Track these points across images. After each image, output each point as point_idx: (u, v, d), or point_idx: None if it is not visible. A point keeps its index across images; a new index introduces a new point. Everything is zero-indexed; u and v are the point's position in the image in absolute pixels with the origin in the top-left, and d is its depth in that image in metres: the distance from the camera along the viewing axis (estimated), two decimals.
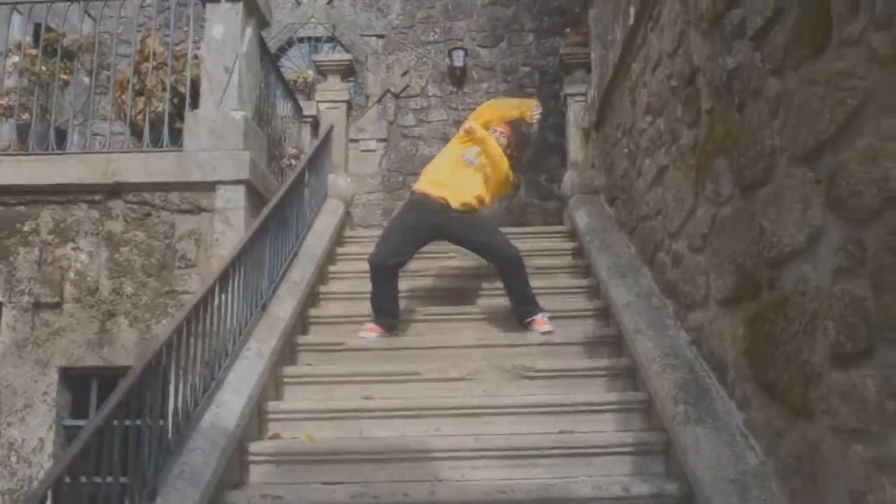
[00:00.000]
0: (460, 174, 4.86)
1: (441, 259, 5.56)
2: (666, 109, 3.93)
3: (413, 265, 5.03)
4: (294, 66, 10.74)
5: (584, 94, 6.92)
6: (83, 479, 2.57)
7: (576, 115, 6.99)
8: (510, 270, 4.69)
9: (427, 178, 4.94)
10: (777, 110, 2.43)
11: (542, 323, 4.57)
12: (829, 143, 2.06)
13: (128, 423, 2.90)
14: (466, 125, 5.06)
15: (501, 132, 5.16)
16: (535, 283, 5.16)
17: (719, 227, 3.06)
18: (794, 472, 2.38)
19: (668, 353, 3.51)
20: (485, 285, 5.19)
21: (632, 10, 4.60)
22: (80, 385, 4.97)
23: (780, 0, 2.37)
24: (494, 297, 4.99)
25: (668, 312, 3.94)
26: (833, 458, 2.09)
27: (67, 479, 2.47)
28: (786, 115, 2.36)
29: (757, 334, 2.66)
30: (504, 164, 5.08)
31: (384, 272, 4.66)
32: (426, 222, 4.77)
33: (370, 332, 4.63)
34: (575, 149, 6.94)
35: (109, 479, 2.76)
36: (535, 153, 10.44)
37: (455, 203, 4.75)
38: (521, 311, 4.65)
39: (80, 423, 4.84)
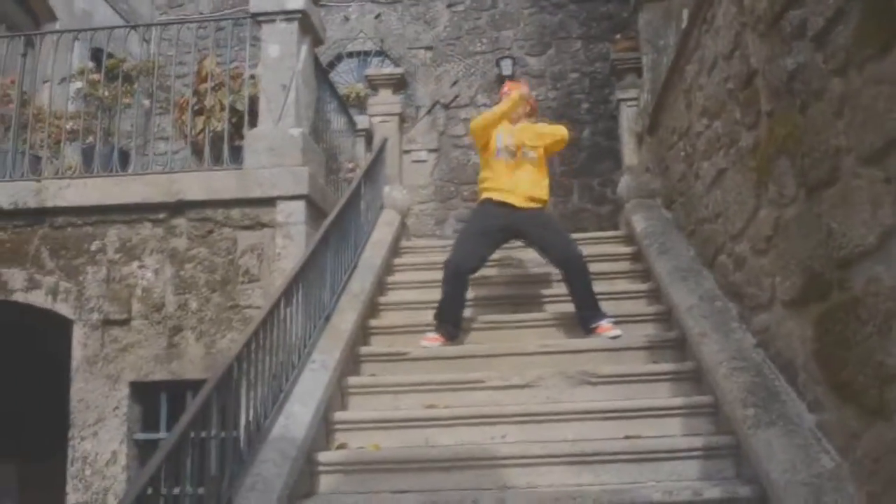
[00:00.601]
0: (518, 174, 4.89)
1: (502, 266, 5.58)
2: (723, 112, 3.91)
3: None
4: (343, 80, 10.87)
5: (635, 99, 6.91)
6: (164, 490, 2.65)
7: (629, 119, 6.98)
8: (574, 271, 4.69)
9: (489, 186, 4.96)
10: (841, 110, 2.41)
11: (607, 328, 4.55)
12: None
13: (203, 434, 2.98)
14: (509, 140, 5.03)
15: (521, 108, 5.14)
16: (594, 287, 5.16)
17: (784, 229, 3.04)
18: (872, 474, 2.35)
19: (734, 356, 3.48)
20: (545, 291, 5.21)
21: (685, 14, 4.59)
22: (149, 399, 5.10)
23: (842, 0, 2.35)
24: (555, 302, 5.01)
25: (732, 315, 3.90)
26: None
27: (150, 491, 2.54)
28: (851, 115, 2.34)
29: (827, 335, 2.63)
30: (551, 130, 5.17)
31: (458, 277, 4.71)
32: (496, 224, 4.83)
33: (432, 342, 4.65)
34: (629, 153, 6.93)
35: (189, 490, 2.84)
36: (587, 158, 10.42)
37: (520, 203, 4.82)
38: (584, 316, 4.64)
39: (151, 436, 4.97)
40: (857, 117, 2.30)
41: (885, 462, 2.24)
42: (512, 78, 10.60)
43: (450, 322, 4.71)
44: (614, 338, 4.47)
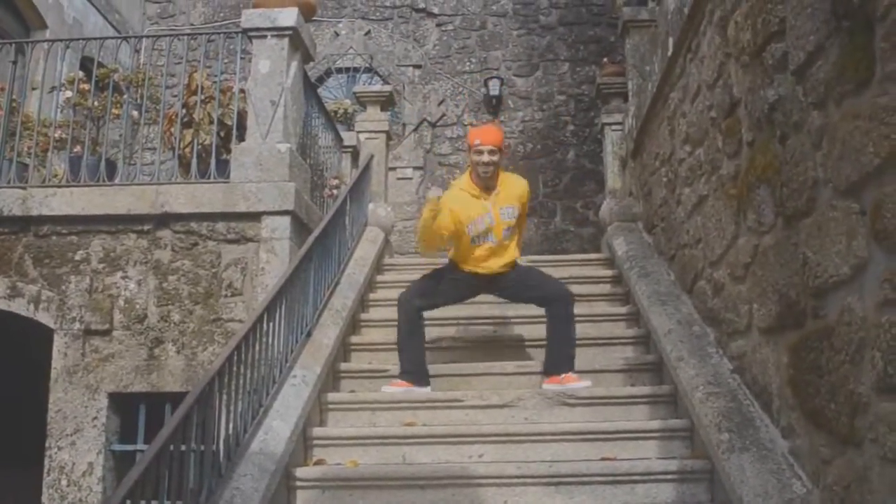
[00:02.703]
0: (494, 256, 4.54)
1: None
2: (706, 140, 3.97)
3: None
4: (332, 96, 10.93)
5: (620, 123, 6.99)
6: (142, 503, 2.65)
7: (613, 143, 7.05)
8: (561, 310, 4.42)
9: (458, 259, 4.62)
10: (820, 143, 2.47)
11: (573, 379, 4.27)
12: (874, 175, 2.09)
13: (182, 448, 2.98)
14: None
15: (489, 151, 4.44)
16: (574, 309, 5.19)
17: (762, 257, 3.09)
18: (842, 501, 2.38)
19: (710, 381, 3.52)
20: (524, 312, 5.24)
21: (670, 42, 4.66)
22: (128, 410, 5.08)
23: (823, 35, 2.41)
24: (535, 323, 5.02)
25: (709, 340, 3.95)
26: (881, 487, 2.10)
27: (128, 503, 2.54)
28: (829, 148, 2.40)
29: (801, 363, 2.68)
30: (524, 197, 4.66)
31: (412, 314, 4.49)
32: (471, 283, 4.61)
33: (393, 386, 4.40)
34: (612, 177, 7.00)
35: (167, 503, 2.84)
36: (570, 180, 10.52)
37: (496, 268, 4.56)
38: (555, 363, 4.35)
39: (129, 447, 4.95)
40: (834, 150, 2.36)
41: (854, 489, 2.28)
42: (499, 103, 10.66)
43: (416, 369, 4.44)
44: (584, 388, 4.22)
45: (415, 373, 4.43)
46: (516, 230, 4.61)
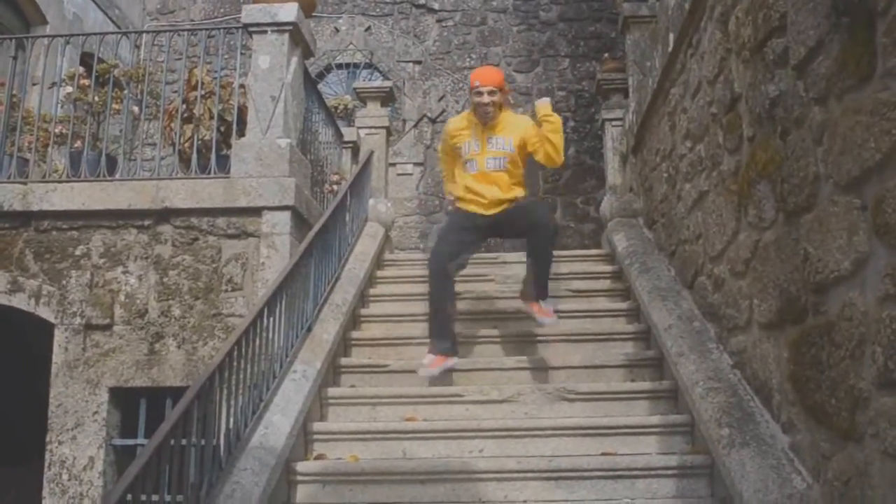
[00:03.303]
0: (487, 187, 4.61)
1: (480, 282, 5.62)
2: (706, 135, 3.97)
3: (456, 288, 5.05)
4: (332, 91, 10.92)
5: (621, 119, 6.98)
6: (143, 497, 2.65)
7: (614, 139, 7.04)
8: (542, 243, 4.51)
9: (459, 195, 4.75)
10: (821, 138, 2.47)
11: (543, 311, 4.52)
12: (875, 170, 2.10)
13: (182, 442, 2.99)
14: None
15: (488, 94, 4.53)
16: (574, 305, 5.24)
17: (762, 252, 3.09)
18: (842, 496, 2.39)
19: (711, 377, 3.53)
20: (523, 307, 5.23)
21: (671, 37, 4.66)
22: (128, 404, 5.09)
23: (824, 31, 2.41)
24: (534, 319, 5.02)
25: (710, 336, 3.96)
26: (882, 482, 2.11)
27: (129, 498, 2.54)
28: (830, 143, 2.40)
29: (802, 358, 2.68)
30: (529, 131, 4.62)
31: (441, 270, 4.50)
32: (472, 225, 4.64)
33: (431, 367, 4.37)
34: (613, 172, 6.99)
35: (167, 498, 2.84)
36: (571, 176, 10.52)
37: (492, 210, 4.61)
38: (529, 292, 4.60)
39: (129, 442, 4.96)
40: (835, 145, 2.36)
41: (855, 484, 2.29)
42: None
43: (445, 336, 4.47)
44: (546, 323, 4.52)
45: (448, 345, 4.46)
46: (511, 165, 4.61)
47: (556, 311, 5.05)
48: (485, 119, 4.57)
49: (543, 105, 4.62)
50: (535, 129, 4.61)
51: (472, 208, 4.65)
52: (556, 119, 4.55)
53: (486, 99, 4.50)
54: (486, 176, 4.60)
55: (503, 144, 4.59)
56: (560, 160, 4.64)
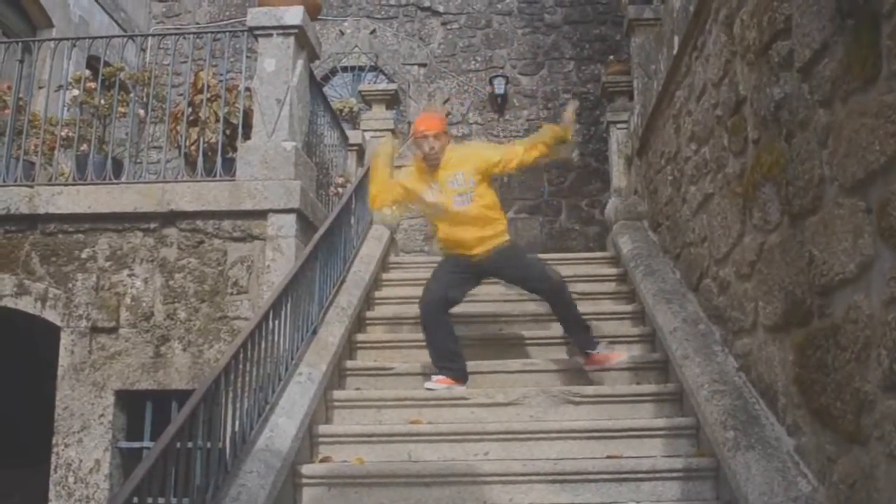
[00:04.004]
0: (461, 228, 4.47)
1: (486, 285, 5.60)
2: (711, 138, 3.97)
3: None
4: (337, 94, 10.94)
5: (626, 122, 6.99)
6: (149, 500, 2.66)
7: (618, 141, 7.05)
8: (556, 296, 4.52)
9: (440, 239, 4.65)
10: (826, 141, 2.47)
11: (605, 357, 4.41)
12: (880, 173, 2.10)
13: (189, 444, 2.99)
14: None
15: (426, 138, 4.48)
16: (579, 308, 5.19)
17: (767, 255, 3.09)
18: (847, 499, 2.39)
19: (716, 380, 3.52)
20: (529, 310, 5.24)
21: (676, 40, 4.66)
22: (134, 407, 5.10)
23: (829, 33, 2.41)
24: (539, 321, 5.04)
25: (715, 338, 3.95)
26: (888, 485, 2.10)
27: (135, 500, 2.55)
28: (835, 146, 2.40)
29: (807, 361, 2.68)
30: (481, 155, 4.55)
31: (436, 312, 4.46)
32: (462, 268, 4.53)
33: (437, 384, 4.36)
34: (618, 175, 7.00)
35: (173, 500, 2.85)
36: (576, 178, 10.52)
37: (475, 251, 4.48)
38: (578, 342, 4.50)
39: (135, 445, 4.97)
40: (840, 148, 2.36)
41: (860, 487, 2.28)
42: (504, 102, 10.66)
43: (448, 360, 4.42)
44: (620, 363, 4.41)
45: (453, 368, 4.41)
46: (479, 198, 4.45)
47: None
48: (434, 163, 4.47)
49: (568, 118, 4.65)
50: (487, 149, 4.66)
51: (458, 252, 4.54)
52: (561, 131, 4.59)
53: (431, 143, 4.43)
54: (458, 216, 4.44)
55: (462, 180, 4.44)
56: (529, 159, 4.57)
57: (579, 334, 4.50)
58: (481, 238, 4.46)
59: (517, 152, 4.52)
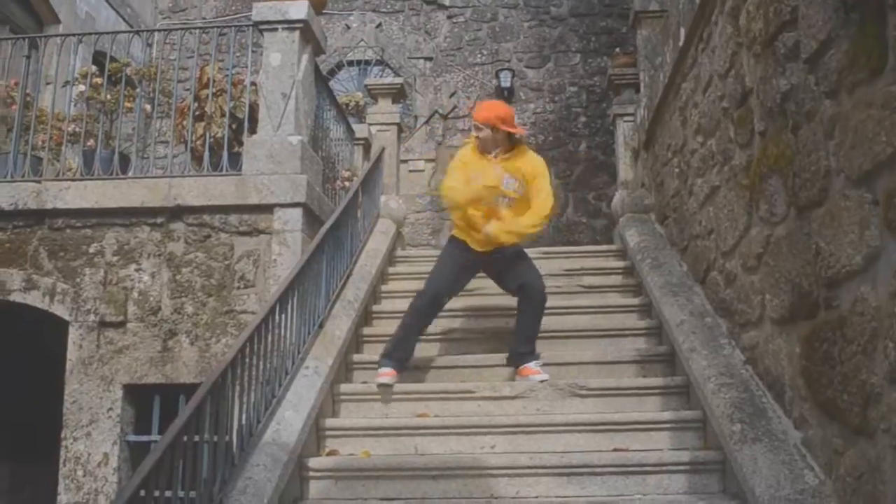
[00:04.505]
0: (492, 219, 4.43)
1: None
2: (718, 130, 3.96)
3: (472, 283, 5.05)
4: (343, 88, 10.95)
5: (632, 114, 6.97)
6: (156, 493, 2.67)
7: (625, 134, 7.03)
8: (531, 300, 4.44)
9: (459, 224, 4.60)
10: (832, 132, 2.46)
11: (534, 371, 4.32)
12: (886, 164, 2.09)
13: (195, 438, 3.00)
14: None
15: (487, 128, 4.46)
16: (586, 301, 5.24)
17: (774, 247, 3.08)
18: (854, 492, 2.38)
19: (723, 372, 3.52)
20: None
21: (682, 32, 4.64)
22: (142, 401, 5.12)
23: (835, 24, 2.40)
24: (547, 315, 5.01)
25: (721, 331, 3.95)
26: (894, 478, 2.10)
27: (142, 493, 2.57)
28: (841, 137, 2.39)
29: (814, 353, 2.67)
30: (537, 196, 4.46)
31: (432, 305, 4.50)
32: (469, 261, 4.54)
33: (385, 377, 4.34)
34: (625, 168, 6.98)
35: (181, 493, 2.86)
36: (583, 171, 10.51)
37: (489, 248, 4.47)
38: (518, 352, 4.43)
39: (144, 438, 4.99)
40: (846, 139, 2.35)
41: (867, 480, 2.28)
42: (511, 95, 10.62)
43: (400, 355, 4.45)
44: (542, 381, 4.23)
45: (401, 360, 4.44)
46: (515, 204, 4.45)
47: (569, 307, 5.08)
48: (484, 149, 4.49)
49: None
50: (539, 180, 4.49)
51: (468, 241, 4.52)
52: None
53: (476, 132, 4.50)
54: (493, 211, 4.44)
55: (509, 183, 4.43)
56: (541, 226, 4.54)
57: (529, 346, 4.44)
58: (501, 242, 4.43)
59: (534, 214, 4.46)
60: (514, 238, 4.45)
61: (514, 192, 4.43)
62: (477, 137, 4.51)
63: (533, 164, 4.53)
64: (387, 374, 4.32)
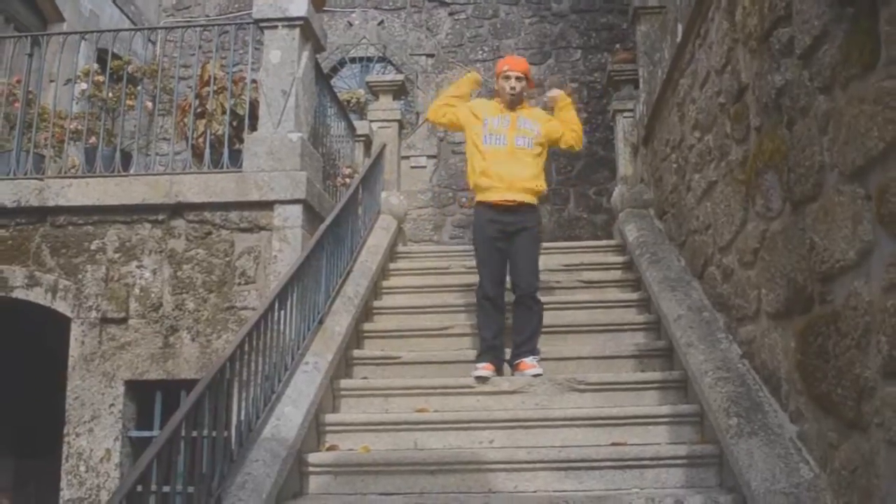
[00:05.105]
0: (511, 164, 4.53)
1: None
2: (715, 125, 3.97)
3: (467, 279, 5.08)
4: (346, 85, 10.95)
5: (632, 110, 6.97)
6: (154, 487, 2.69)
7: (624, 129, 7.03)
8: (531, 312, 4.49)
9: (481, 182, 4.61)
10: (826, 127, 2.47)
11: (530, 366, 4.34)
12: (879, 159, 2.10)
13: (194, 434, 3.02)
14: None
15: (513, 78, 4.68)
16: (585, 296, 5.26)
17: (770, 242, 3.09)
18: (849, 486, 2.39)
19: (720, 367, 3.53)
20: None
21: (679, 28, 4.65)
22: (144, 397, 5.14)
23: (828, 20, 2.41)
24: (547, 309, 5.03)
25: (718, 326, 3.96)
26: (888, 472, 2.11)
27: (140, 489, 2.58)
28: (835, 133, 2.40)
29: (809, 347, 2.68)
30: (563, 122, 4.77)
31: (489, 301, 4.51)
32: (500, 230, 4.53)
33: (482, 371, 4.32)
34: (624, 163, 6.99)
35: (179, 488, 2.88)
36: (583, 166, 10.51)
37: (515, 196, 4.51)
38: (519, 350, 4.44)
39: (145, 434, 5.02)
40: (840, 135, 2.36)
41: (861, 473, 2.29)
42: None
43: (492, 350, 4.44)
44: (535, 375, 4.27)
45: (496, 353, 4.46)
46: (538, 147, 4.65)
47: (568, 302, 5.09)
48: (511, 103, 4.67)
49: (559, 95, 4.88)
50: (554, 120, 4.79)
51: (490, 197, 4.55)
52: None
53: (512, 83, 4.65)
54: (513, 153, 4.57)
55: (531, 127, 4.65)
56: (576, 141, 4.82)
57: (531, 345, 4.46)
58: (520, 179, 4.53)
59: (566, 129, 4.78)
60: (570, 110, 4.83)
61: (531, 134, 4.63)
62: (512, 89, 4.64)
63: (546, 114, 4.86)
64: (484, 368, 4.32)
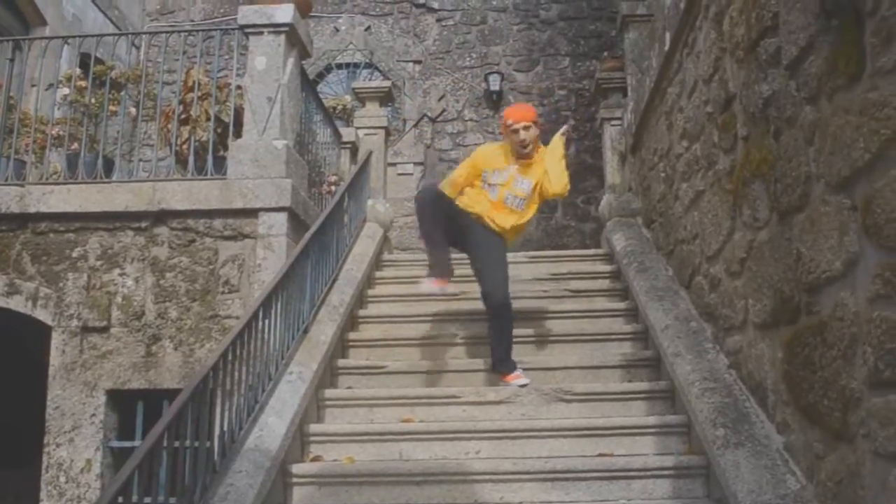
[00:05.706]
0: (500, 213, 4.57)
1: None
2: (702, 135, 3.96)
3: (451, 288, 5.04)
4: (332, 91, 10.92)
5: (620, 118, 6.97)
6: (135, 499, 2.65)
7: (612, 138, 7.03)
8: (496, 315, 4.47)
9: (473, 204, 4.60)
10: (812, 138, 2.46)
11: (515, 376, 4.35)
12: (864, 170, 2.09)
13: (176, 444, 2.98)
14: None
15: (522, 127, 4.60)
16: (572, 305, 5.23)
17: (757, 252, 3.08)
18: (835, 497, 2.38)
19: (706, 377, 3.52)
20: (523, 307, 5.21)
21: (667, 36, 4.65)
22: (126, 407, 5.09)
23: (814, 31, 2.40)
24: (534, 319, 5.02)
25: (706, 336, 3.95)
26: (873, 483, 2.10)
27: (121, 500, 2.54)
28: (821, 143, 2.39)
29: (795, 358, 2.67)
30: (545, 178, 4.62)
31: (431, 204, 4.50)
32: (450, 213, 4.53)
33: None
34: (612, 172, 6.98)
35: (160, 499, 2.84)
36: (571, 175, 10.45)
37: (493, 226, 4.55)
38: (499, 359, 4.44)
39: (127, 444, 4.96)
40: (826, 145, 2.35)
41: (847, 484, 2.28)
42: (499, 98, 10.64)
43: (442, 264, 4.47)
44: (522, 385, 4.26)
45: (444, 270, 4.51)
46: (526, 206, 4.63)
47: (556, 312, 5.07)
48: (526, 153, 4.60)
49: (556, 137, 4.73)
50: (551, 174, 4.62)
51: (471, 213, 4.59)
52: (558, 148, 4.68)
53: (522, 135, 4.55)
54: (501, 207, 4.57)
55: (526, 187, 4.59)
56: (558, 189, 4.66)
57: (506, 353, 4.45)
58: (504, 221, 4.56)
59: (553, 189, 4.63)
60: (559, 154, 4.64)
61: (524, 194, 4.58)
62: (522, 142, 4.55)
63: (545, 163, 4.65)
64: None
